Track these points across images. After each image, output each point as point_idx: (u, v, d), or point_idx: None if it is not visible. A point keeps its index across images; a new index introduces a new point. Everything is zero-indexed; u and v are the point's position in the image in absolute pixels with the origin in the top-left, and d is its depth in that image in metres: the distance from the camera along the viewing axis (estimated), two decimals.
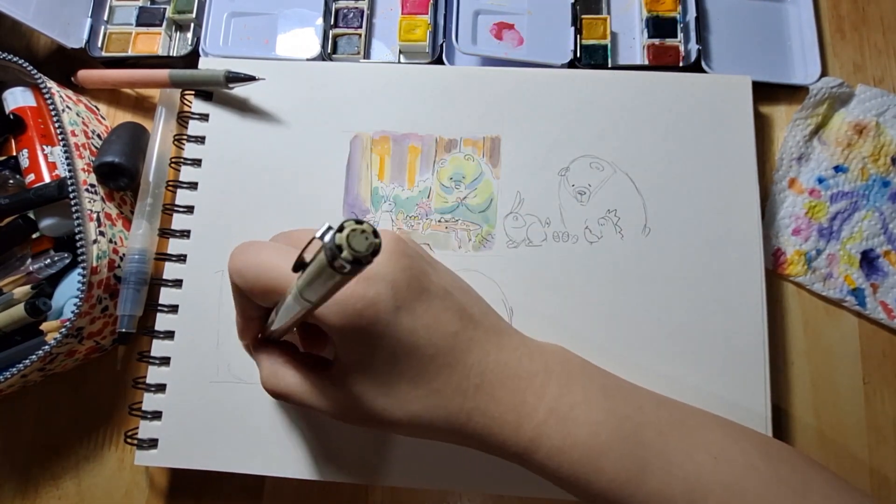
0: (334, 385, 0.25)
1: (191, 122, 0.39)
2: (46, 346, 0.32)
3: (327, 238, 0.16)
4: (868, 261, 0.38)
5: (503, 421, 0.25)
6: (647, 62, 0.41)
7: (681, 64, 0.41)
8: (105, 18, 0.43)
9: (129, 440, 0.34)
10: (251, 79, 0.38)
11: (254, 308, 0.26)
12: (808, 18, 0.41)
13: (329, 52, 0.42)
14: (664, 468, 0.24)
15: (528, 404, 0.25)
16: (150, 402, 0.35)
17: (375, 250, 0.16)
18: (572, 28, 0.41)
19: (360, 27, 0.43)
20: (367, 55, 0.42)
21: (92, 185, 0.36)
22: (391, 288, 0.23)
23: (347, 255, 0.15)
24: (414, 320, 0.24)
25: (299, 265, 0.19)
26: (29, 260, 0.36)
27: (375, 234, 0.16)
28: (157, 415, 0.34)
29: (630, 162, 0.37)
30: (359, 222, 0.16)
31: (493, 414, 0.25)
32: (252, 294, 0.25)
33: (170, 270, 0.36)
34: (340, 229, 0.15)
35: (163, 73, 0.39)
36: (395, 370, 0.24)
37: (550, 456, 0.24)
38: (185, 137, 0.38)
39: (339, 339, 0.24)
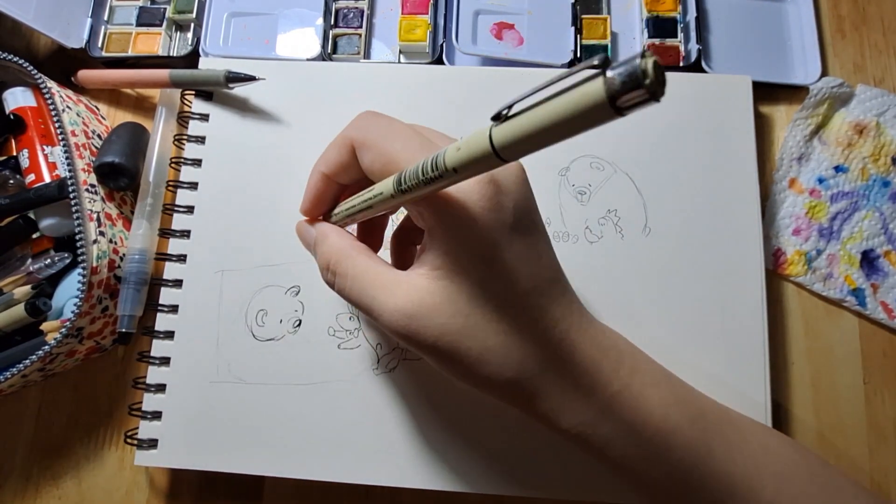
0: (410, 284, 0.22)
1: (191, 122, 0.39)
2: (46, 346, 0.32)
3: (619, 67, 0.14)
4: (868, 261, 0.38)
5: (577, 384, 0.23)
6: None
7: (681, 64, 0.41)
8: (105, 18, 0.43)
9: (129, 440, 0.34)
10: (251, 79, 0.38)
11: (347, 173, 0.25)
12: (808, 18, 0.41)
13: (329, 52, 0.42)
14: (726, 452, 0.25)
15: (603, 374, 0.24)
16: (150, 402, 0.35)
17: (665, 82, 0.14)
18: (572, 28, 0.41)
19: (361, 27, 0.43)
20: (367, 55, 0.42)
21: (92, 185, 0.36)
22: (514, 207, 0.22)
23: (651, 84, 0.14)
24: (523, 249, 0.22)
25: (497, 116, 0.16)
26: (29, 260, 0.36)
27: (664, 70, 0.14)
28: (157, 415, 0.34)
29: (630, 162, 0.37)
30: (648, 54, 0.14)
31: (568, 373, 0.23)
32: (368, 148, 0.23)
33: (170, 270, 0.36)
34: (642, 56, 0.14)
35: (163, 73, 0.39)
36: (486, 291, 0.22)
37: (618, 432, 0.24)
38: (185, 137, 0.38)
39: (442, 235, 0.22)
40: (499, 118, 0.17)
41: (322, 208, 0.27)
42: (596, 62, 0.15)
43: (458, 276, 0.22)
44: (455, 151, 0.18)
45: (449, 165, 0.18)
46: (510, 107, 0.17)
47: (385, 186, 0.22)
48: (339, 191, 0.26)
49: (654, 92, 0.14)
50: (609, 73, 0.14)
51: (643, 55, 0.14)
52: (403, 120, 0.37)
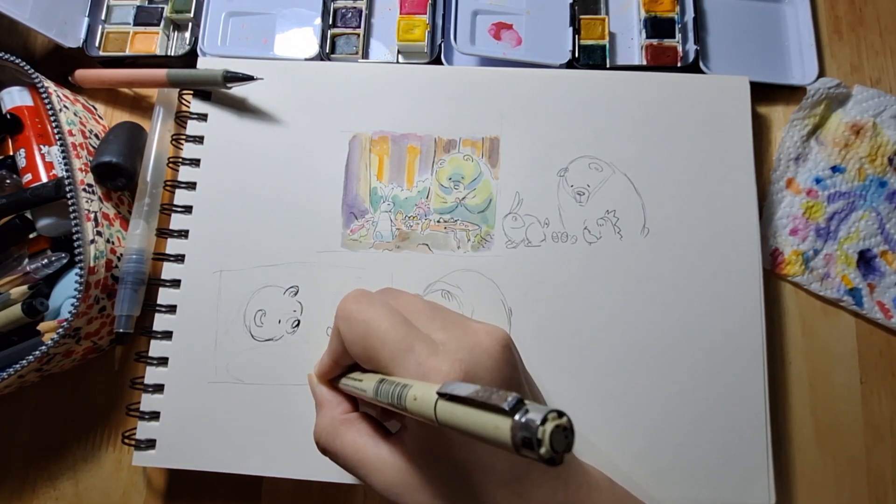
0: (395, 465, 0.24)
1: (189, 121, 0.39)
2: (43, 347, 0.32)
3: (525, 421, 0.14)
4: (865, 261, 0.38)
5: None
6: (645, 62, 0.41)
7: (679, 64, 0.41)
8: (102, 18, 0.43)
9: (126, 441, 0.34)
10: (249, 78, 0.37)
11: (348, 358, 0.26)
12: (805, 19, 0.41)
13: (327, 51, 0.42)
14: None
15: None
16: (147, 402, 0.34)
17: (569, 448, 0.15)
18: (571, 28, 0.41)
19: (359, 27, 0.42)
20: (365, 55, 0.42)
21: (89, 185, 0.36)
22: None
23: (546, 453, 0.14)
24: None
25: (450, 397, 0.17)
26: (26, 260, 0.36)
27: (573, 430, 0.15)
28: (154, 415, 0.34)
29: (629, 162, 0.37)
30: (560, 414, 0.15)
31: None
32: (351, 350, 0.25)
33: (168, 270, 0.36)
34: (544, 421, 0.14)
35: (161, 73, 0.38)
36: (464, 481, 0.23)
37: None
38: (183, 137, 0.38)
39: (420, 430, 0.23)
40: (443, 396, 0.18)
41: (332, 376, 0.29)
42: (505, 406, 0.15)
43: (436, 464, 0.23)
44: (412, 401, 0.20)
45: (407, 408, 0.20)
46: (451, 396, 0.18)
47: (368, 387, 0.24)
48: (354, 364, 0.27)
49: (551, 459, 0.14)
50: (515, 421, 0.15)
51: (545, 419, 0.14)
52: (402, 120, 0.38)
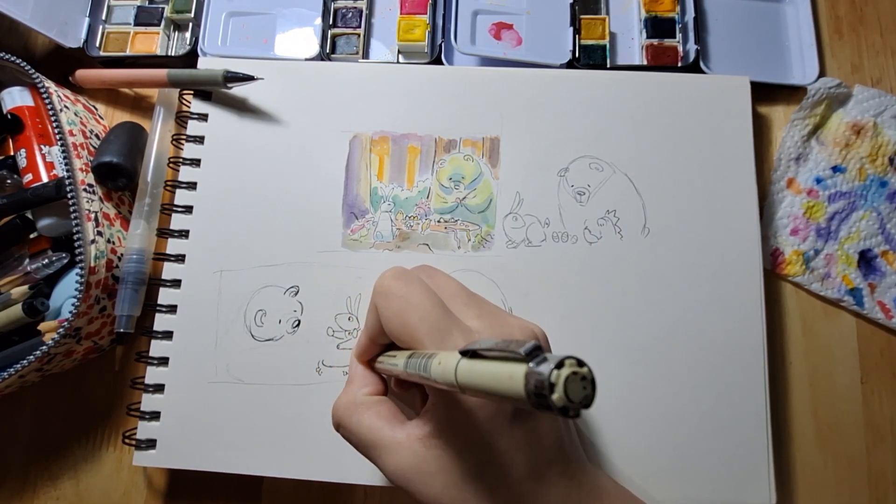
0: (409, 449, 0.24)
1: (190, 121, 0.39)
2: (44, 347, 0.32)
3: (540, 368, 0.13)
4: (866, 261, 0.38)
5: None
6: (645, 62, 0.41)
7: (679, 64, 0.41)
8: (103, 18, 0.43)
9: (127, 441, 0.34)
10: (250, 79, 0.37)
11: (384, 336, 0.26)
12: (805, 19, 0.41)
13: (328, 51, 0.42)
14: None
15: None
16: (148, 402, 0.34)
17: (588, 402, 0.13)
18: (571, 28, 0.41)
19: (359, 27, 0.43)
20: (365, 55, 0.42)
21: (90, 185, 0.36)
22: None
23: (558, 400, 0.13)
24: (523, 435, 0.23)
25: (471, 353, 0.17)
26: (27, 260, 0.36)
27: (594, 383, 0.13)
28: (155, 415, 0.34)
29: (629, 162, 0.37)
30: (580, 363, 0.13)
31: None
32: (388, 326, 0.25)
33: (168, 270, 0.36)
34: (560, 365, 0.13)
35: (161, 73, 0.38)
36: (479, 473, 0.23)
37: None
38: (183, 137, 0.38)
39: (442, 414, 0.23)
40: (465, 354, 0.17)
41: (370, 356, 0.28)
42: (521, 351, 0.14)
43: (453, 451, 0.23)
44: (436, 366, 0.19)
45: (431, 375, 0.19)
46: (475, 351, 0.17)
47: (400, 362, 0.23)
48: (391, 343, 0.27)
49: (564, 408, 0.13)
50: (530, 367, 0.13)
51: (561, 364, 0.13)
52: (403, 120, 0.38)
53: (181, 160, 0.38)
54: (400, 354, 0.24)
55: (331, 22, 0.43)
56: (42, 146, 0.37)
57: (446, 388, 0.19)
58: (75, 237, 0.33)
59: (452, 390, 0.18)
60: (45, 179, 0.36)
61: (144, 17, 0.43)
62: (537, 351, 0.14)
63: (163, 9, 0.43)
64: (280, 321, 0.35)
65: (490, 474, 0.23)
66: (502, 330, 0.24)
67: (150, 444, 0.34)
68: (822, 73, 0.41)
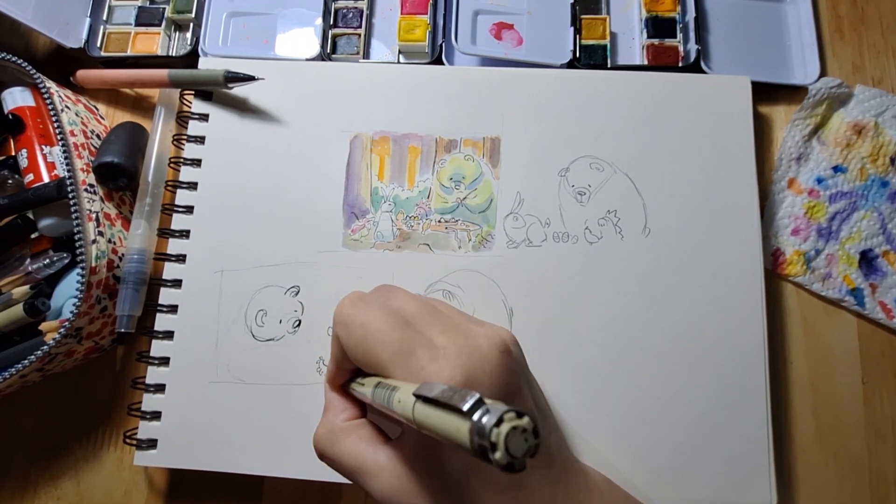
0: (392, 471, 0.24)
1: (190, 122, 0.39)
2: (45, 347, 0.32)
3: (481, 421, 0.13)
4: (867, 261, 0.38)
5: None
6: (646, 62, 0.41)
7: (680, 64, 0.41)
8: (104, 18, 0.43)
9: (128, 440, 0.34)
10: (250, 79, 0.38)
11: (349, 362, 0.26)
12: (807, 18, 0.41)
13: (328, 52, 0.42)
14: None
15: None
16: (149, 402, 0.35)
17: (533, 452, 0.13)
18: (571, 28, 0.41)
19: (360, 27, 0.43)
20: (366, 55, 0.42)
21: (91, 185, 0.36)
22: None
23: (501, 458, 0.13)
24: None
25: (423, 398, 0.17)
26: (28, 260, 0.36)
27: (536, 432, 0.13)
28: (156, 415, 0.34)
29: (630, 162, 0.37)
30: (519, 414, 0.13)
31: None
32: (352, 354, 0.25)
33: (169, 270, 0.36)
34: (499, 422, 0.13)
35: (162, 73, 0.39)
36: (459, 491, 0.23)
37: None
38: (184, 137, 0.38)
39: (416, 439, 0.23)
40: (419, 397, 0.18)
41: (340, 381, 0.28)
42: (464, 406, 0.14)
43: (433, 470, 0.23)
44: (397, 403, 0.19)
45: (394, 410, 0.19)
46: (425, 397, 0.17)
47: (367, 391, 0.23)
48: (357, 368, 0.27)
49: (509, 465, 0.13)
50: (473, 422, 0.13)
51: (500, 420, 0.13)
52: (403, 120, 0.38)
53: (182, 160, 0.38)
54: (368, 382, 0.24)
55: (331, 22, 0.43)
56: (43, 146, 0.37)
57: (408, 423, 0.19)
58: (76, 237, 0.33)
59: (413, 426, 0.19)
60: (46, 179, 0.36)
61: (145, 18, 0.43)
62: (478, 405, 0.14)
63: (164, 9, 0.43)
64: (281, 321, 0.35)
65: (470, 488, 0.23)
66: (468, 342, 0.24)
67: (151, 443, 0.34)
68: (823, 73, 0.41)
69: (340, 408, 0.27)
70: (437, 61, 0.41)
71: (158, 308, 0.36)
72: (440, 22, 0.42)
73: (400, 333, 0.23)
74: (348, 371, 0.27)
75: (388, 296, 0.27)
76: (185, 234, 0.37)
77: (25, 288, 0.35)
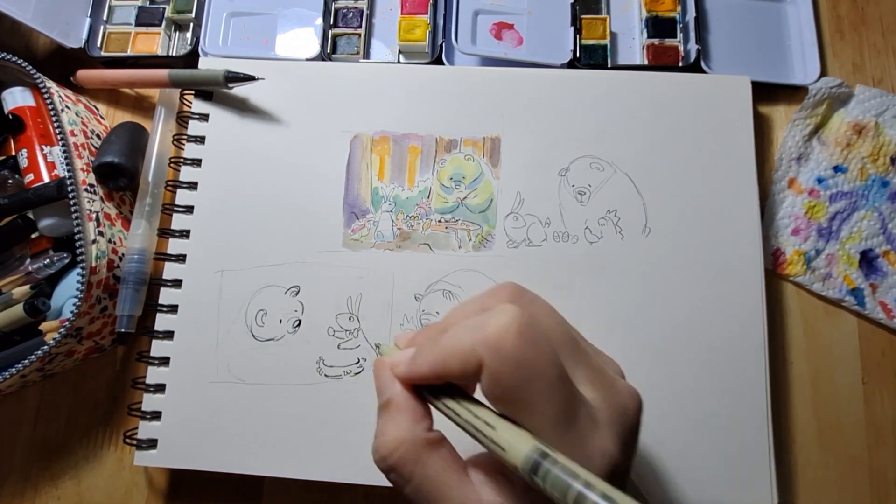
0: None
1: (190, 122, 0.39)
2: (45, 347, 0.32)
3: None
4: (867, 261, 0.38)
5: None
6: (646, 62, 0.41)
7: (680, 64, 0.41)
8: (104, 18, 0.43)
9: (128, 440, 0.34)
10: (251, 79, 0.38)
11: (458, 378, 0.21)
12: (807, 18, 0.41)
13: (329, 51, 0.42)
14: None
15: None
16: (149, 402, 0.34)
17: None
18: (572, 28, 0.41)
19: (360, 27, 0.43)
20: (366, 55, 0.42)
21: (91, 185, 0.36)
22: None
23: None
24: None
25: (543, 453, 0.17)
26: (28, 260, 0.36)
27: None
28: (156, 415, 0.34)
29: (630, 162, 0.37)
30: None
31: None
32: (491, 390, 0.20)
33: (169, 270, 0.36)
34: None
35: (162, 73, 0.39)
36: None
37: None
38: (184, 137, 0.38)
39: (523, 486, 0.20)
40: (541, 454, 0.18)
41: (415, 382, 0.22)
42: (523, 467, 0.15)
43: None
44: (501, 452, 0.19)
45: (503, 450, 0.19)
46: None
47: (516, 455, 0.19)
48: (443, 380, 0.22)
49: None
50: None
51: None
52: (403, 120, 0.38)
53: (182, 160, 0.38)
54: (502, 429, 0.20)
55: (331, 22, 0.43)
56: (43, 146, 0.37)
57: (517, 471, 0.18)
58: (76, 237, 0.33)
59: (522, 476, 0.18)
60: (46, 179, 0.36)
61: (145, 18, 0.43)
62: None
63: (164, 9, 0.43)
64: (281, 321, 0.35)
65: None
66: (615, 400, 0.21)
67: (151, 443, 0.34)
68: (823, 73, 0.41)
69: (419, 414, 0.22)
70: (438, 61, 0.41)
71: (158, 308, 0.36)
72: (440, 22, 0.42)
73: (561, 388, 0.19)
74: (440, 381, 0.22)
75: (531, 309, 0.22)
76: (185, 233, 0.37)
77: (26, 288, 0.35)
